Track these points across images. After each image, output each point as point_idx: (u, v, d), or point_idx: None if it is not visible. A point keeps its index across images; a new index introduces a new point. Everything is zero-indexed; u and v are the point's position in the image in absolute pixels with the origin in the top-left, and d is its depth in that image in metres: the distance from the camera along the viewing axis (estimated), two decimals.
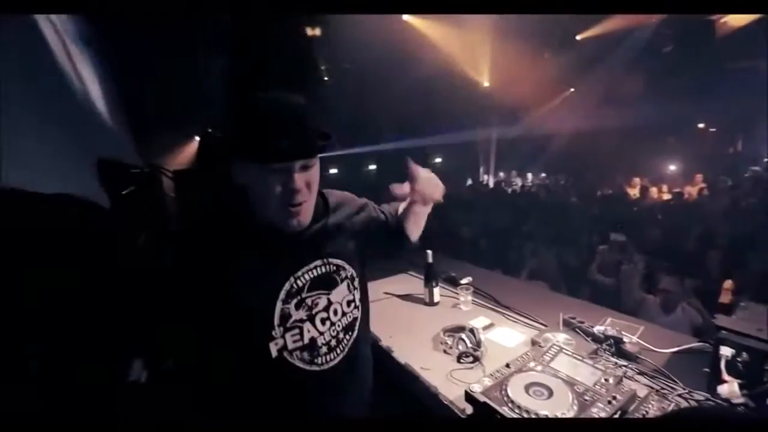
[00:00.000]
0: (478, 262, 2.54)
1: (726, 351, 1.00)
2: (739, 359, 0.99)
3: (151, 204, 2.08)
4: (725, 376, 0.99)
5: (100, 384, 0.99)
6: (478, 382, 1.05)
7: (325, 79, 7.37)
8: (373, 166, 11.66)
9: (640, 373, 1.17)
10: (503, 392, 1.00)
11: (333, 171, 10.23)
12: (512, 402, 0.96)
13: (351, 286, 0.99)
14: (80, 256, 1.04)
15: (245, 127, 0.81)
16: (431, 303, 1.79)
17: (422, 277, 1.83)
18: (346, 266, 0.98)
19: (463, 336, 1.37)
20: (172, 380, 0.90)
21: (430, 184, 1.11)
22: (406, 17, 6.69)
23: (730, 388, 0.96)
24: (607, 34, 7.30)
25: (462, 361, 1.31)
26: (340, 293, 0.96)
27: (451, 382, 1.21)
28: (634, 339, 1.33)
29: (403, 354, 1.40)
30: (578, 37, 7.29)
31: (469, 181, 10.99)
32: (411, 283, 2.04)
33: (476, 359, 1.30)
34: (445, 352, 1.38)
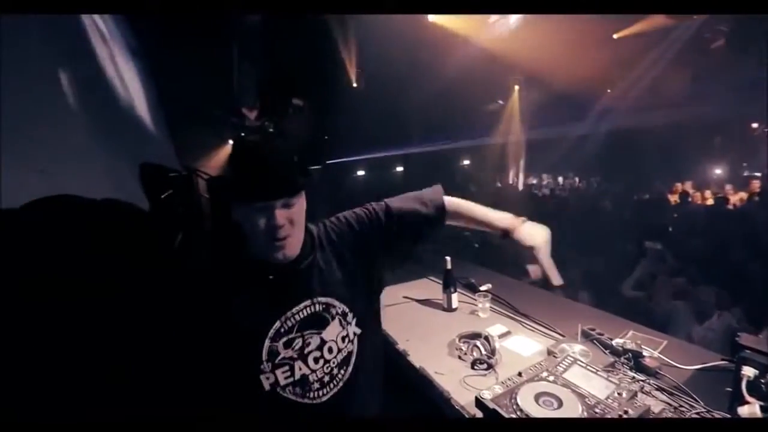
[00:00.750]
0: (505, 270, 2.50)
1: (748, 371, 0.97)
2: (762, 380, 0.95)
3: (187, 207, 2.23)
4: (747, 397, 0.96)
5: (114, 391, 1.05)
6: (489, 389, 1.07)
7: (354, 84, 7.47)
8: (400, 168, 11.71)
9: (659, 389, 1.15)
10: (513, 400, 1.02)
11: (361, 173, 10.37)
12: (521, 410, 0.98)
13: (343, 322, 1.00)
14: (122, 260, 1.15)
15: (230, 170, 0.88)
16: (449, 309, 1.82)
17: (441, 282, 1.86)
18: (336, 303, 0.99)
19: (478, 343, 1.39)
20: (170, 406, 0.94)
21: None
22: (431, 17, 6.61)
23: (750, 410, 0.93)
24: (647, 32, 6.93)
25: (476, 367, 1.33)
26: (333, 331, 0.98)
27: (463, 388, 1.23)
28: (656, 354, 1.30)
29: (418, 358, 1.44)
30: (615, 36, 6.98)
31: (498, 184, 10.82)
32: (430, 288, 2.06)
33: (490, 366, 1.31)
34: (459, 358, 1.41)
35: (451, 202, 1.14)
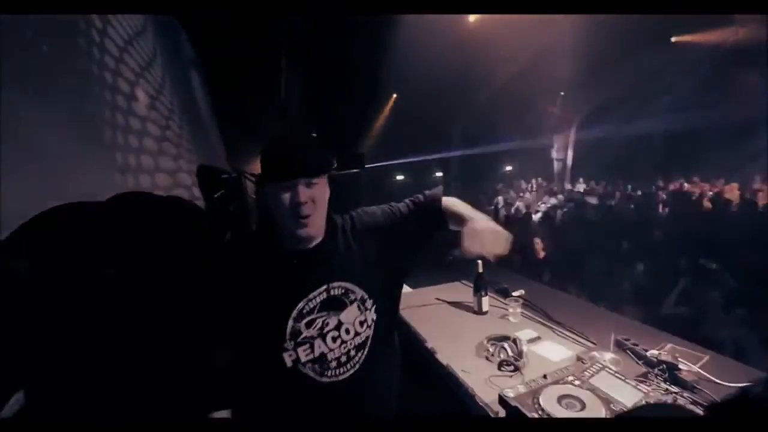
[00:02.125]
0: (553, 284, 2.45)
1: None
2: None
3: (236, 206, 2.42)
4: None
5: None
6: (513, 388, 1.10)
7: (394, 93, 7.57)
8: (439, 174, 11.69)
9: (694, 403, 1.11)
10: (535, 400, 1.04)
11: (400, 177, 10.48)
12: (542, 410, 1.00)
13: (362, 308, 1.07)
14: (182, 247, 1.31)
15: (263, 153, 1.02)
16: (480, 312, 1.84)
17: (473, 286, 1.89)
18: (356, 289, 1.07)
19: (505, 345, 1.41)
20: (194, 385, 1.04)
21: (487, 239, 1.03)
22: (472, 18, 6.44)
23: None
24: (706, 41, 6.44)
25: (502, 369, 1.35)
26: (350, 314, 1.05)
27: (488, 387, 1.26)
28: (695, 368, 1.25)
29: (446, 356, 1.49)
30: (673, 39, 6.55)
31: (539, 190, 10.45)
32: (462, 291, 2.09)
33: (516, 368, 1.33)
34: (487, 359, 1.43)
35: (447, 199, 1.20)
